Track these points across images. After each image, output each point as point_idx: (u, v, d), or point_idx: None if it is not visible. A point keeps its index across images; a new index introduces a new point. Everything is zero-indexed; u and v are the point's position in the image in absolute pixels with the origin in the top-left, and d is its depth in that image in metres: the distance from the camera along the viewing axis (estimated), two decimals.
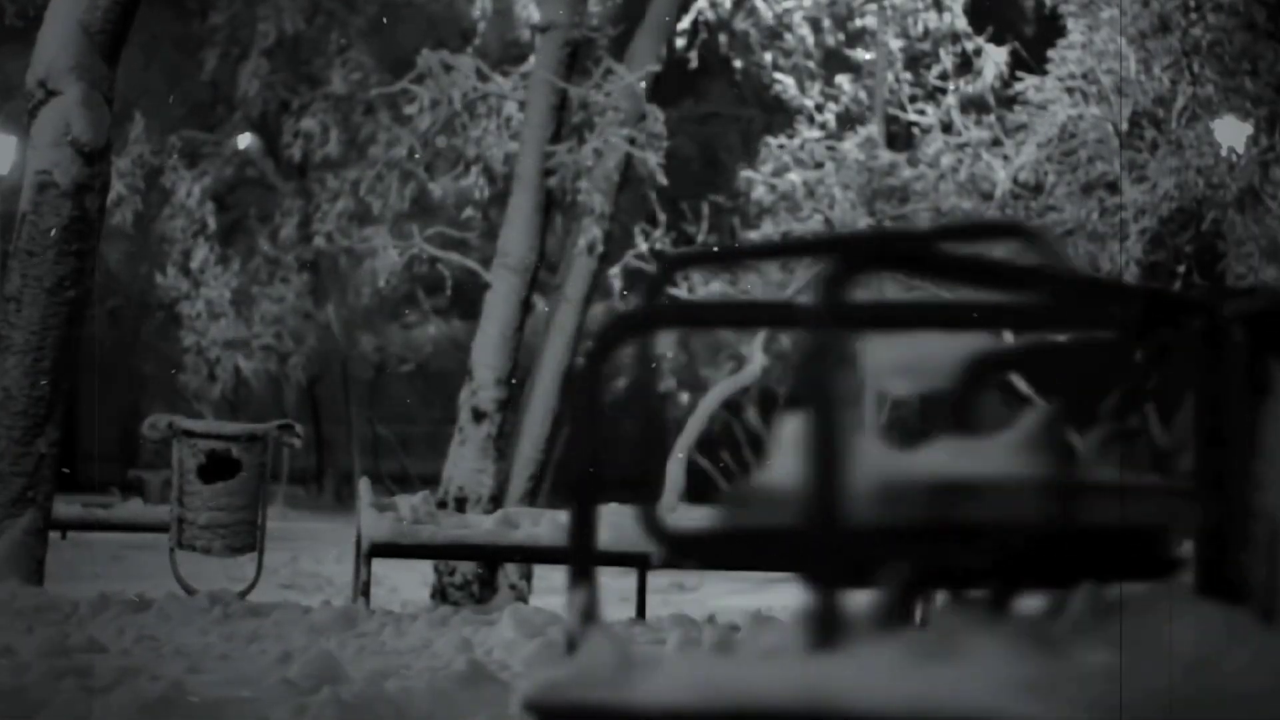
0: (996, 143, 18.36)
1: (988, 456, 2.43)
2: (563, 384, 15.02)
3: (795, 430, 2.30)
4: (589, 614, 2.51)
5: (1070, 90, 16.93)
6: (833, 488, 2.21)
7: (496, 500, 14.27)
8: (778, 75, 19.78)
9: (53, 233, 10.11)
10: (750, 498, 2.41)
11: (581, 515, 2.58)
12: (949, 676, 2.10)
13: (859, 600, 2.29)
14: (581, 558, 2.57)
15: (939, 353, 2.72)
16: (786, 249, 3.66)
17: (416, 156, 16.70)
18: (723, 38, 18.99)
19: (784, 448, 2.35)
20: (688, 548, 2.62)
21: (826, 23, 19.62)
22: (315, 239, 23.73)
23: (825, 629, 2.24)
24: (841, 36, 19.85)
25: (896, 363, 2.63)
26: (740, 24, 18.99)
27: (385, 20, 26.27)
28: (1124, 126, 16.48)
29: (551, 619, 8.48)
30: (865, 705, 2.10)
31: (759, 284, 18.97)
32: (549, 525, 10.10)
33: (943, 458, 2.38)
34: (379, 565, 10.55)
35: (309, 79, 26.61)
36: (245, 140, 28.09)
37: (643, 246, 17.66)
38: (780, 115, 20.82)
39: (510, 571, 14.45)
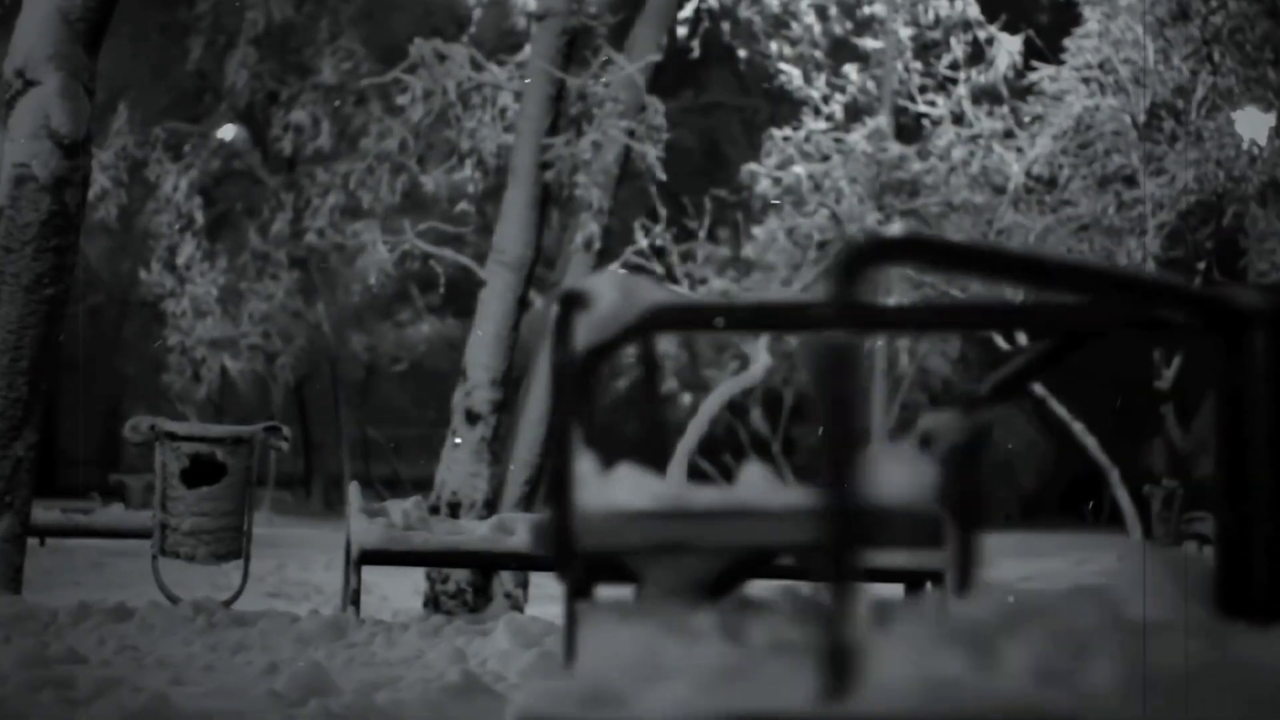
0: (1010, 135, 18.45)
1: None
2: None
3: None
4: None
5: (1086, 80, 17.02)
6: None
7: (491, 505, 14.21)
8: (783, 65, 19.91)
9: (31, 228, 10.03)
10: None
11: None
12: None
13: None
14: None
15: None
16: None
17: (409, 149, 16.70)
18: (725, 26, 19.13)
19: None
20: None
21: (833, 10, 19.81)
22: (306, 235, 23.58)
23: None
24: (849, 25, 20.00)
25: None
26: (744, 12, 19.18)
27: (377, 7, 26.19)
28: (1142, 118, 16.64)
29: (548, 628, 8.38)
30: None
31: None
32: None
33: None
34: (369, 573, 10.44)
35: (298, 69, 26.45)
36: (229, 132, 27.85)
37: (643, 242, 17.68)
38: (785, 106, 20.94)
39: (505, 579, 14.41)
